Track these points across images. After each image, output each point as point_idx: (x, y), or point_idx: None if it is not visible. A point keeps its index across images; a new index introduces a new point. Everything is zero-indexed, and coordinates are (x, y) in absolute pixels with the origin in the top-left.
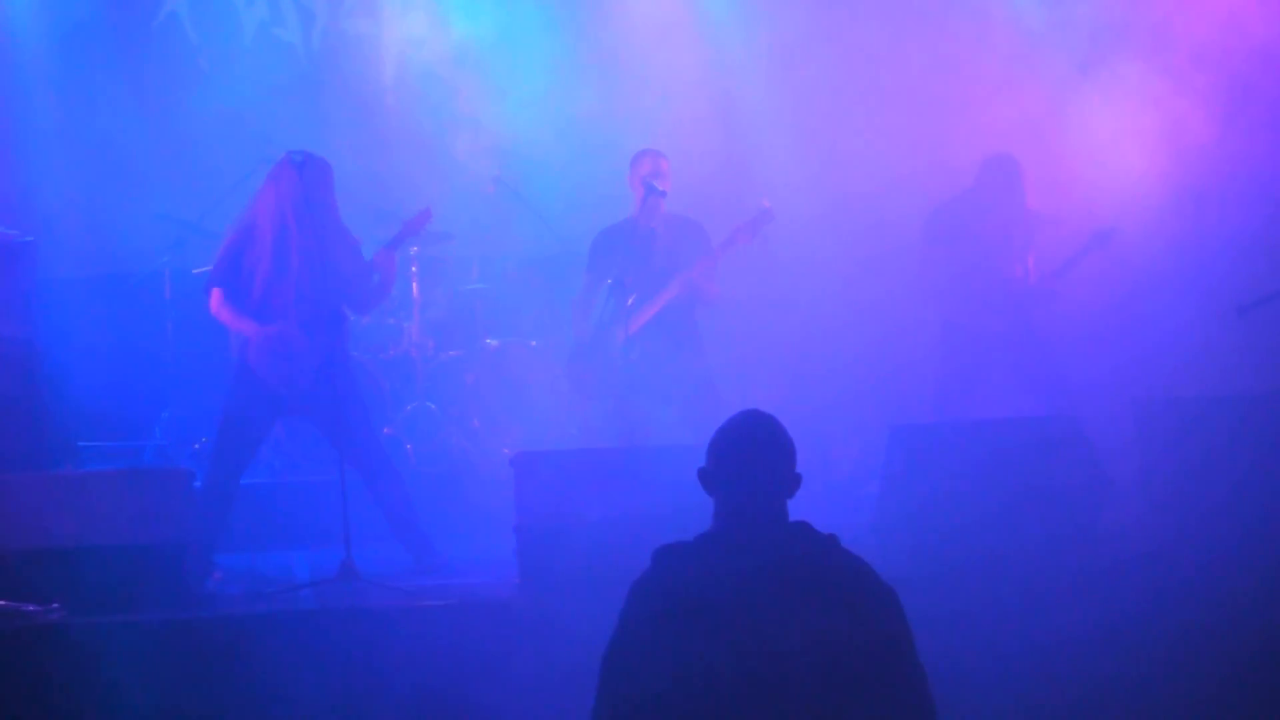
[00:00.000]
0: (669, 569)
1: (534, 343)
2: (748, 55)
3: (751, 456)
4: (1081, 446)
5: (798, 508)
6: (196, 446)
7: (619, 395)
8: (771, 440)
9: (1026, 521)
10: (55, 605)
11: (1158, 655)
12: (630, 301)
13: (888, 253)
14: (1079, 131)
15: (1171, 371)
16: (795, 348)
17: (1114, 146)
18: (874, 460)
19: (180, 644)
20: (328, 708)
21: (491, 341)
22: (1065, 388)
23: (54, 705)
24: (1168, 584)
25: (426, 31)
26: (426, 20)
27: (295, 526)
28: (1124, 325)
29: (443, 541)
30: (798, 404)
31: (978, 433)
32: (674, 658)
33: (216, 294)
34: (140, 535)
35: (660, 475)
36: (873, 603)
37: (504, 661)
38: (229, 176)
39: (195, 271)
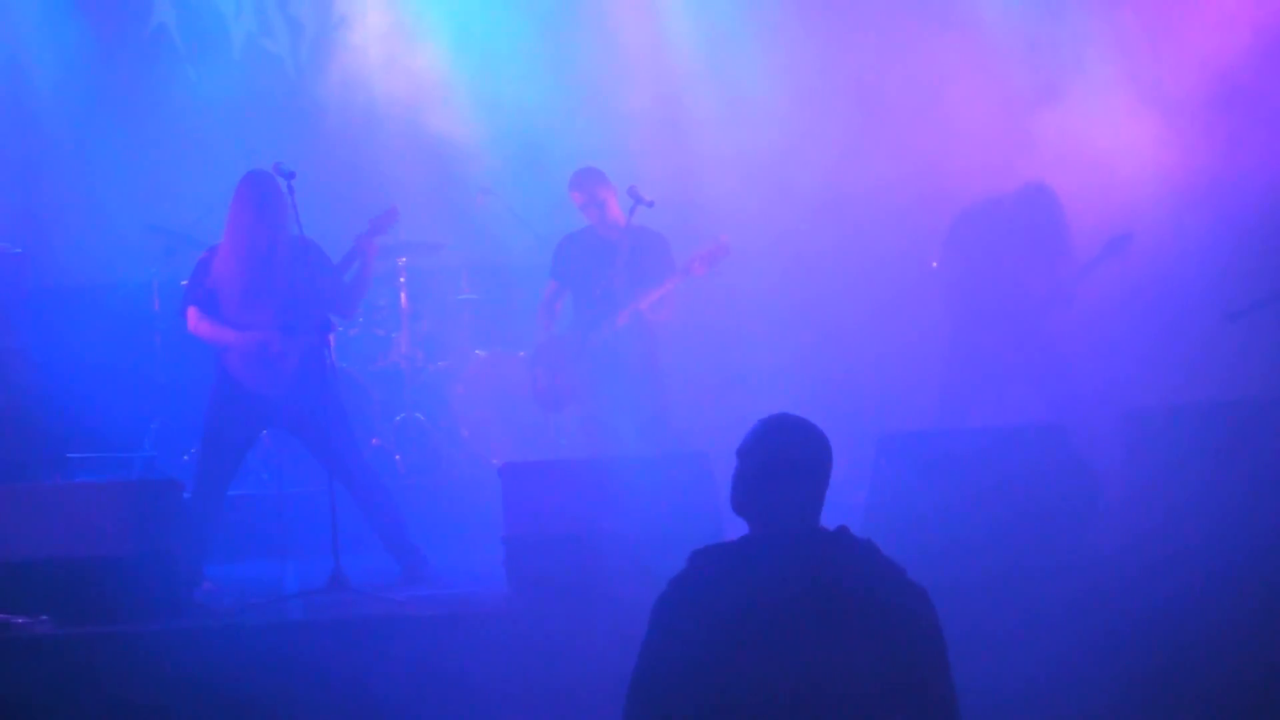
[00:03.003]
0: (706, 574)
1: (522, 353)
2: (738, 60)
3: (782, 465)
4: (1070, 455)
5: None
6: (185, 458)
7: (582, 404)
8: (815, 451)
9: (1015, 530)
10: (44, 617)
11: (1152, 667)
12: (590, 314)
13: (881, 258)
14: (1072, 137)
15: (1164, 378)
16: (787, 352)
17: (1105, 153)
18: (863, 468)
19: (170, 655)
20: (317, 718)
21: (480, 352)
22: (1074, 400)
23: (43, 717)
24: (1160, 594)
25: (415, 43)
26: (414, 32)
27: (284, 537)
28: (1117, 333)
29: (431, 552)
30: (788, 408)
31: (966, 441)
32: (711, 666)
33: (193, 311)
34: (129, 546)
35: (649, 485)
36: (908, 616)
37: (493, 672)
38: (218, 187)
39: (184, 283)
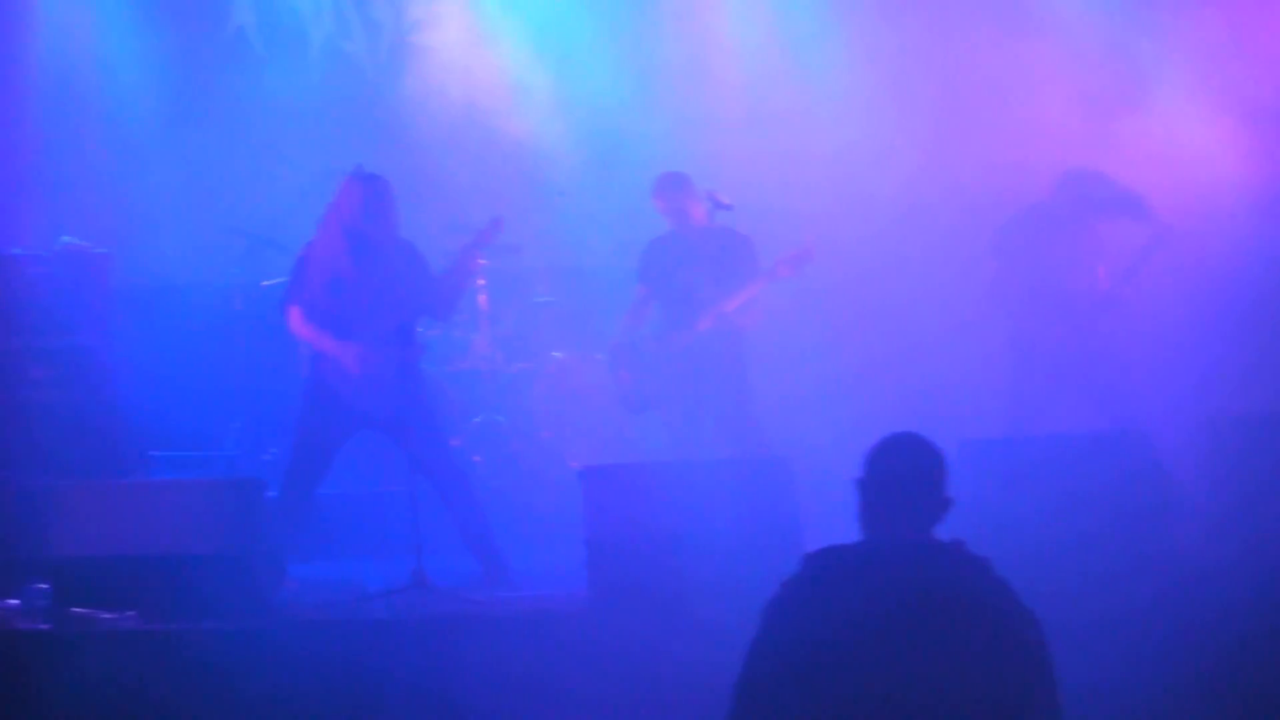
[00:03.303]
0: (818, 577)
1: (600, 356)
2: (819, 62)
3: (899, 484)
4: (1153, 463)
5: None
6: (267, 457)
7: (666, 407)
8: (923, 468)
9: (1096, 537)
10: (130, 612)
11: (1233, 675)
12: (673, 317)
13: (961, 262)
14: (1153, 142)
15: (1244, 386)
16: (861, 360)
17: (1186, 158)
18: None
19: (253, 653)
20: (397, 717)
21: (558, 354)
22: (1136, 403)
23: (128, 712)
24: (1240, 602)
25: (492, 44)
26: (493, 32)
27: (367, 537)
28: (1195, 340)
29: (512, 554)
30: (863, 418)
31: (1048, 448)
32: (819, 668)
33: (295, 312)
34: (212, 544)
35: (730, 488)
36: (1017, 635)
37: (574, 674)
38: (297, 189)
39: (265, 284)
